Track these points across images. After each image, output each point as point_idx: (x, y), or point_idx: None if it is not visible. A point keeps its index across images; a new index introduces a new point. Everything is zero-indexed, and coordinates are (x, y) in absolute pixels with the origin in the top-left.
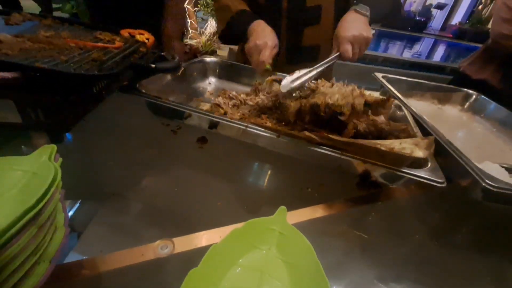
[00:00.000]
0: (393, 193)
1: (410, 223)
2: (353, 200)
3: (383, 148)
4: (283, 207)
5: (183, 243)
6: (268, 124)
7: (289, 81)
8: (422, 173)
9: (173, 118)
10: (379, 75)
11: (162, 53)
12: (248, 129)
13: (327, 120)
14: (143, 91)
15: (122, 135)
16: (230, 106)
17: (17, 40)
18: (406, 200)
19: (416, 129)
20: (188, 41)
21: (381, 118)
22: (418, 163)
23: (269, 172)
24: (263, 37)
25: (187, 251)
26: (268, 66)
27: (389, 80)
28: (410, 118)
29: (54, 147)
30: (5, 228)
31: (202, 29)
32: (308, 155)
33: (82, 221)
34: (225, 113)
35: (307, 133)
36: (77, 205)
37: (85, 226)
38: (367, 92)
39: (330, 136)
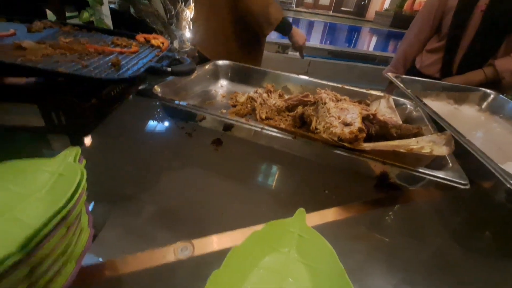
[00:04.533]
0: (413, 195)
1: (432, 226)
2: (372, 202)
3: (402, 150)
4: (301, 209)
5: (203, 245)
6: (282, 125)
7: None
8: (444, 174)
9: (188, 120)
10: (392, 76)
11: (177, 57)
12: (264, 130)
13: None
14: (158, 94)
15: (138, 138)
16: (260, 102)
17: (39, 47)
18: (427, 202)
19: (433, 131)
20: None
21: (392, 121)
22: (439, 164)
23: (285, 174)
24: None
25: (207, 253)
26: None
27: (403, 81)
28: (426, 119)
29: (78, 149)
30: (38, 228)
31: None
32: (325, 157)
33: (99, 223)
34: (254, 109)
35: (323, 135)
36: (92, 206)
37: (101, 228)
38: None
39: (346, 144)
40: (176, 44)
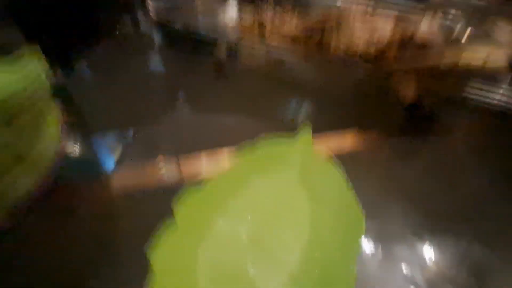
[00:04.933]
0: (451, 127)
1: (469, 167)
2: (398, 133)
3: (443, 65)
4: (306, 123)
5: (190, 164)
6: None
7: None
8: (497, 99)
9: (188, 44)
10: None
11: None
12: (271, 52)
13: None
14: (152, 14)
15: (133, 64)
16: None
17: None
18: (469, 136)
19: None
20: None
21: (435, 42)
22: (491, 84)
23: (292, 98)
24: None
25: (194, 171)
26: None
27: None
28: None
29: (37, 51)
30: None
31: None
32: (344, 81)
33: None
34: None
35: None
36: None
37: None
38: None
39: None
40: None
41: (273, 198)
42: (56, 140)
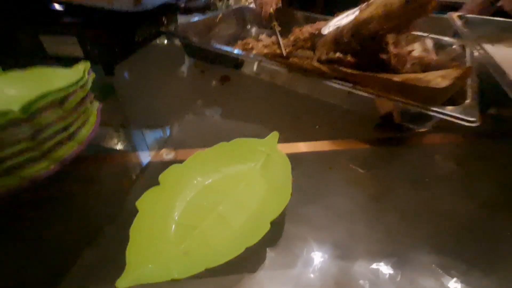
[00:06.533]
0: (421, 138)
1: (436, 174)
2: (369, 141)
3: (395, 79)
4: (275, 132)
5: (184, 153)
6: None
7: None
8: (450, 111)
9: (203, 59)
10: (454, 15)
11: None
12: (262, 64)
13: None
14: (177, 33)
15: (159, 73)
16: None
17: None
18: (438, 148)
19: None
20: None
21: (430, 56)
22: (454, 100)
23: (277, 109)
24: None
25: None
26: None
27: (469, 22)
28: (469, 60)
29: (88, 63)
30: (35, 98)
31: None
32: (320, 90)
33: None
34: (251, 48)
35: (316, 64)
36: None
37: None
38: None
39: (340, 68)
40: None
41: (239, 178)
42: (92, 125)
